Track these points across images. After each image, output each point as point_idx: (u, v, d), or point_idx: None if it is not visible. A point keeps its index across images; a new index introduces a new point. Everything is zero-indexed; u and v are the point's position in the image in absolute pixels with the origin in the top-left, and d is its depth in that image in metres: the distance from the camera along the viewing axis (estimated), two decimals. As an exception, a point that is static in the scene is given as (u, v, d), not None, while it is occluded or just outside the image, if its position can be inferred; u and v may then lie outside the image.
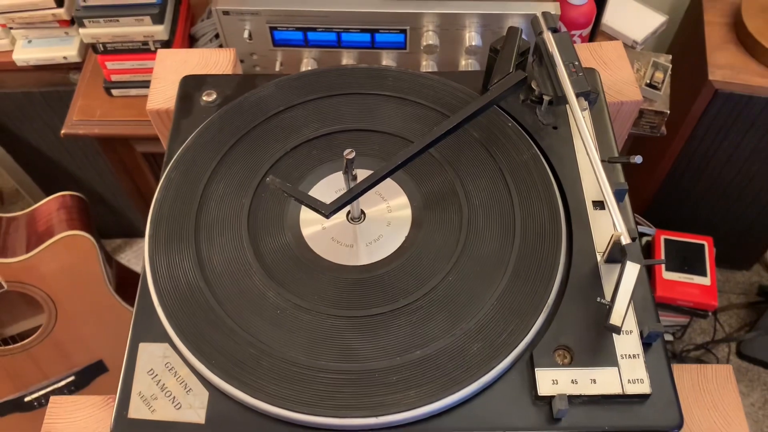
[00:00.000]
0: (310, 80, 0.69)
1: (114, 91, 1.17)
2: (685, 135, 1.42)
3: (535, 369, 0.52)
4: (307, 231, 0.60)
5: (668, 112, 1.10)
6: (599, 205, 0.61)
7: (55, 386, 1.37)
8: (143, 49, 1.09)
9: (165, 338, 0.55)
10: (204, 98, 0.69)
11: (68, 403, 0.55)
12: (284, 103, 0.67)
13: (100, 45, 1.08)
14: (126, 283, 1.37)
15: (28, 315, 1.37)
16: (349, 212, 0.61)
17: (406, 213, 0.61)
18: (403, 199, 0.62)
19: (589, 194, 0.61)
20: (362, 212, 0.61)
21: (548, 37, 0.63)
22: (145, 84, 1.15)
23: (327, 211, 0.54)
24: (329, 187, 0.62)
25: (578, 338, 0.54)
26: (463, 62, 1.00)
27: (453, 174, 0.62)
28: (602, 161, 0.59)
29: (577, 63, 0.63)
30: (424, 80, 0.69)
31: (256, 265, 0.57)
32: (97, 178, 1.56)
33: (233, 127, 0.66)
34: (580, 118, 0.59)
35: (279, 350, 0.53)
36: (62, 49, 1.31)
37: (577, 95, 0.61)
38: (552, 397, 0.51)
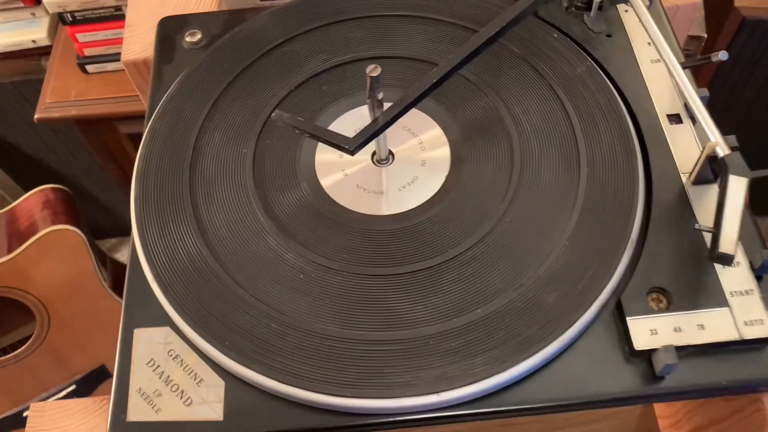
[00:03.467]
0: (310, 6, 0.58)
1: (89, 68, 1.06)
2: (711, 69, 1.31)
3: (627, 319, 0.42)
4: (326, 180, 0.49)
5: (705, 36, 0.99)
6: (675, 118, 0.50)
7: (56, 397, 1.26)
8: (116, 15, 0.98)
9: (165, 321, 0.45)
10: (187, 39, 0.58)
11: (52, 410, 0.45)
12: (282, 35, 0.56)
13: (68, 15, 0.97)
14: (122, 280, 1.26)
15: (20, 323, 1.26)
16: (374, 153, 0.51)
17: (443, 148, 0.50)
18: (437, 133, 0.51)
19: (661, 107, 0.51)
20: (390, 153, 0.51)
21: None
22: (123, 56, 1.04)
23: (351, 146, 0.43)
24: (347, 126, 0.52)
25: (674, 277, 0.43)
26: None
27: (494, 97, 0.52)
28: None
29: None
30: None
31: (268, 224, 0.47)
32: (83, 173, 1.45)
33: (224, 68, 0.55)
34: (646, 16, 0.49)
35: (307, 322, 0.43)
36: (30, 32, 1.19)
37: (636, -9, 0.50)
38: (652, 351, 0.41)
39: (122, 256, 1.77)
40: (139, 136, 0.53)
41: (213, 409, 0.42)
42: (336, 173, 0.50)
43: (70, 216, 1.12)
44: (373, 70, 0.42)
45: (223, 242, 0.46)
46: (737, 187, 0.41)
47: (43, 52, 1.21)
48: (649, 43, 0.54)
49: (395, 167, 0.50)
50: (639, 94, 0.51)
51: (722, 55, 0.47)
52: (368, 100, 0.44)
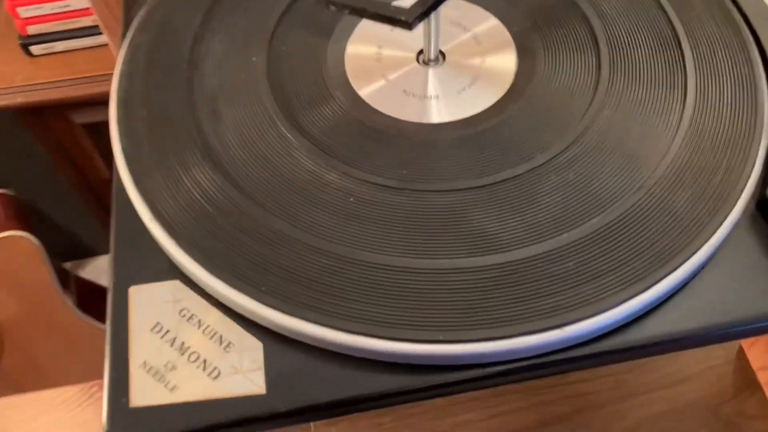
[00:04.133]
0: None
1: (34, 49, 0.93)
2: None
3: (780, 218, 0.33)
4: (364, 89, 0.39)
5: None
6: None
7: None
8: (64, -16, 0.86)
9: (171, 273, 0.33)
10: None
11: (25, 404, 0.33)
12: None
13: (7, -15, 0.85)
14: (91, 298, 1.12)
15: (-32, 352, 1.10)
16: (420, 53, 0.40)
17: (505, 41, 0.40)
18: (494, 24, 0.41)
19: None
20: (440, 53, 0.40)
21: None
22: (74, 34, 0.92)
23: (409, 17, 0.33)
24: (384, 30, 0.41)
25: (825, 162, 0.34)
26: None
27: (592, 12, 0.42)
28: None
29: None
30: None
31: (299, 141, 0.36)
32: (31, 182, 1.30)
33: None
34: None
35: (370, 253, 0.32)
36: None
37: None
38: (817, 254, 0.32)
39: (86, 274, 1.61)
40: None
41: (251, 380, 0.30)
42: (375, 80, 0.39)
43: (20, 221, 0.98)
44: None
45: (243, 168, 0.35)
46: None
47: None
48: None
49: (448, 68, 0.40)
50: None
51: None
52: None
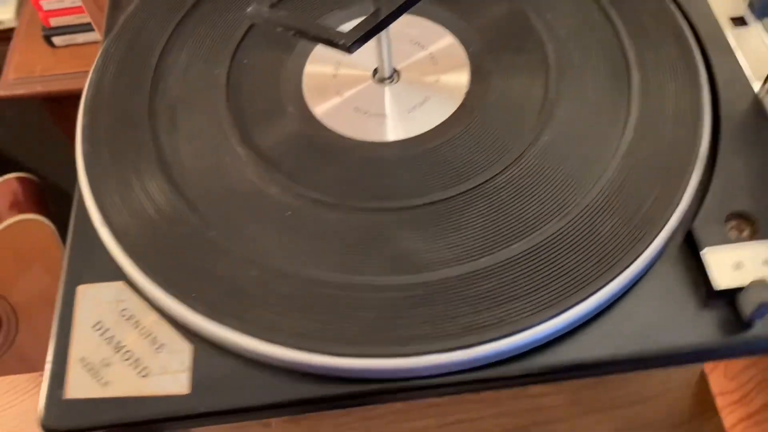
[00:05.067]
0: None
1: (56, 40, 0.96)
2: None
3: (702, 251, 0.33)
4: (318, 105, 0.40)
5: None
6: (740, 21, 0.41)
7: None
8: (84, -21, 0.89)
9: (117, 275, 0.35)
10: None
11: (-26, 390, 0.35)
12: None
13: (31, -20, 0.88)
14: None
15: (-12, 328, 1.16)
16: (376, 71, 0.42)
17: (460, 61, 0.41)
18: (451, 44, 0.42)
19: (721, 9, 0.42)
20: (395, 71, 0.42)
21: None
22: (93, 27, 0.95)
23: (348, 41, 0.34)
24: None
25: (757, 199, 0.34)
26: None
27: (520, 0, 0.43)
28: None
29: None
30: None
31: (246, 153, 0.38)
32: (52, 168, 1.35)
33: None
34: None
35: (296, 266, 0.33)
36: (-5, 12, 1.10)
37: None
38: (737, 290, 0.32)
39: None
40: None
41: (177, 380, 0.32)
42: (330, 97, 0.41)
43: (36, 205, 1.02)
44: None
45: (190, 177, 0.37)
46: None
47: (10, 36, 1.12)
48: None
49: (402, 86, 0.41)
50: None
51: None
52: (367, -12, 0.35)
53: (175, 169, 0.37)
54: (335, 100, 0.40)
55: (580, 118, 0.38)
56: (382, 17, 0.35)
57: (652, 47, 0.40)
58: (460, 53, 0.42)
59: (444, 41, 0.42)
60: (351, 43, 0.34)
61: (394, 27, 0.37)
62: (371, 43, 0.36)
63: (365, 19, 0.35)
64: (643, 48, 0.40)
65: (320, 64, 0.42)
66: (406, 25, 0.42)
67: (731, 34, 0.41)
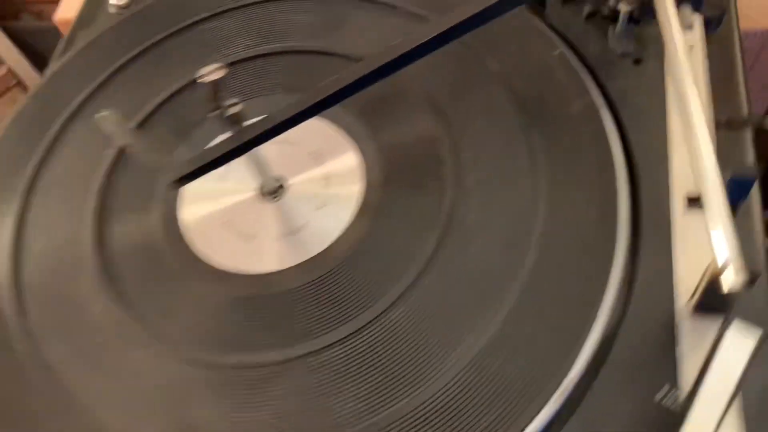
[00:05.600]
0: None
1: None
2: None
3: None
4: (191, 209, 0.37)
5: None
6: (696, 203, 0.33)
7: None
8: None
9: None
10: (113, 1, 0.47)
11: None
12: (211, 8, 0.44)
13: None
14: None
15: None
16: (263, 185, 0.38)
17: (354, 190, 0.36)
18: (352, 165, 0.37)
19: (682, 182, 0.34)
20: (281, 185, 0.37)
21: None
22: None
23: (172, 177, 0.30)
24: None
25: None
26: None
27: (442, 129, 0.37)
28: (717, 124, 0.33)
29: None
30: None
31: (90, 256, 0.35)
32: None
33: (131, 41, 0.44)
34: (676, 43, 0.32)
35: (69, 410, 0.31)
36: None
37: (679, 1, 0.33)
38: None
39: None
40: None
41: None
42: (207, 201, 0.37)
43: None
44: (213, 72, 0.29)
45: (35, 261, 0.36)
46: (737, 350, 0.25)
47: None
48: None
49: (285, 205, 0.37)
50: (655, 158, 0.34)
51: (782, 120, 0.30)
52: (212, 114, 0.31)
53: (26, 251, 0.36)
54: (210, 208, 0.37)
55: (468, 259, 0.32)
56: (215, 156, 0.31)
57: (570, 221, 0.33)
58: (358, 179, 0.36)
59: (346, 159, 0.37)
60: (175, 181, 0.30)
61: (299, 132, 0.33)
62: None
63: (199, 155, 0.31)
64: (558, 219, 0.33)
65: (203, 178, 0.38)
66: (316, 131, 0.38)
67: (680, 218, 0.32)
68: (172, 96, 0.41)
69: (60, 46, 0.46)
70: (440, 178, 0.35)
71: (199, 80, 0.29)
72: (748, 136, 0.35)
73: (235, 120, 0.31)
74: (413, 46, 0.32)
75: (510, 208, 0.34)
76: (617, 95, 0.37)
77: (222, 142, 0.31)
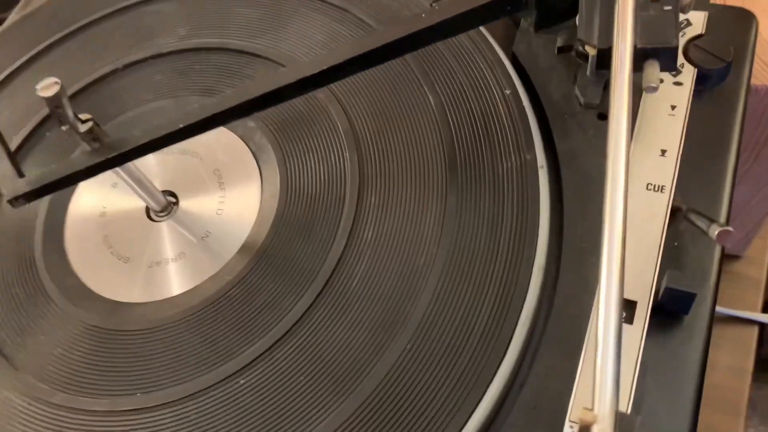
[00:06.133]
0: None
1: None
2: None
3: None
4: (78, 207, 0.34)
5: None
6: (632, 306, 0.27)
7: None
8: None
9: None
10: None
11: None
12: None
13: None
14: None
15: None
16: (153, 199, 0.34)
17: (245, 222, 0.32)
18: (251, 190, 0.33)
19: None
20: (174, 202, 0.33)
21: None
22: None
23: (10, 193, 0.27)
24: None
25: None
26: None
27: (354, 166, 0.32)
28: (682, 212, 0.27)
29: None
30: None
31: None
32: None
33: (72, 15, 0.40)
34: (620, 104, 0.25)
35: None
36: None
37: (645, 53, 0.27)
38: None
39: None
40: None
41: None
42: (96, 203, 0.34)
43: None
44: (48, 87, 0.25)
45: None
46: None
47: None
48: (663, 152, 0.30)
49: (169, 227, 0.33)
50: (587, 247, 0.28)
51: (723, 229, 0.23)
52: (61, 128, 0.27)
53: None
54: (95, 214, 0.34)
55: (355, 309, 0.28)
56: (64, 174, 0.27)
57: (460, 303, 0.27)
58: (253, 207, 0.32)
59: (248, 181, 0.33)
60: (12, 199, 0.27)
61: (209, 143, 0.29)
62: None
63: (49, 170, 0.27)
64: (448, 309, 0.27)
65: (89, 197, 0.35)
66: (226, 145, 0.34)
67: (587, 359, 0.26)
68: (93, 83, 0.37)
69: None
70: (336, 225, 0.30)
71: (38, 93, 0.25)
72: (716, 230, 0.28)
73: (93, 138, 0.27)
74: (344, 59, 0.27)
75: (400, 278, 0.28)
76: (566, 157, 0.30)
77: (77, 158, 0.28)
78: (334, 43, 0.35)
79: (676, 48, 0.27)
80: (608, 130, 0.26)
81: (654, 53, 0.27)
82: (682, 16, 0.32)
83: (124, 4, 0.40)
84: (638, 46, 0.27)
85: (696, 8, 0.33)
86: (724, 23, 0.33)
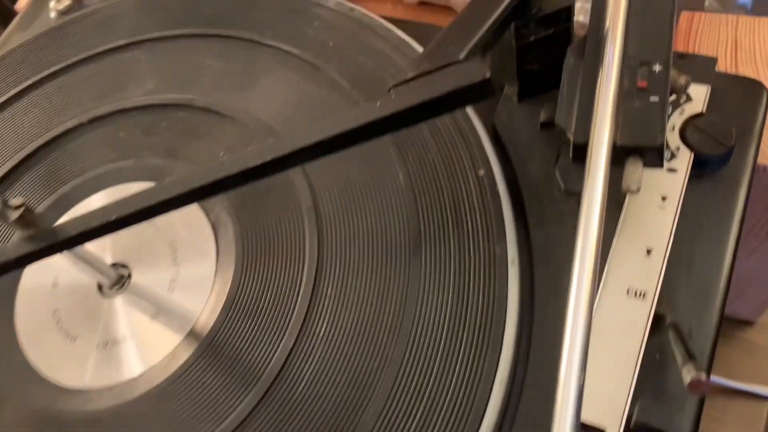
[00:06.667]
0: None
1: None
2: None
3: None
4: (31, 275, 0.33)
5: None
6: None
7: None
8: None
9: None
10: (54, 4, 0.42)
11: None
12: (135, 32, 0.38)
13: None
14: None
15: None
16: (104, 272, 0.32)
17: (196, 302, 0.30)
18: (204, 270, 0.31)
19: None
20: (123, 275, 0.32)
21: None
22: None
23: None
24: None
25: None
26: None
27: (314, 251, 0.29)
28: (665, 322, 0.24)
29: (665, 59, 0.25)
30: (369, 28, 0.34)
31: None
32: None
33: (33, 65, 0.39)
34: (591, 209, 0.23)
35: None
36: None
37: (626, 149, 0.24)
38: None
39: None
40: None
41: None
42: (48, 275, 0.32)
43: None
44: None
45: None
46: None
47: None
48: (649, 251, 0.27)
49: (120, 304, 0.31)
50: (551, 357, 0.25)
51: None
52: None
53: None
54: (47, 286, 0.32)
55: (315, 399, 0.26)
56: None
57: (421, 410, 0.25)
58: (205, 289, 0.30)
59: (204, 260, 0.31)
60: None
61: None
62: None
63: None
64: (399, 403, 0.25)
65: (40, 272, 0.33)
66: (185, 215, 0.32)
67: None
68: (58, 137, 0.36)
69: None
70: (288, 316, 0.28)
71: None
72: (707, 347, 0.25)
73: (26, 223, 0.25)
74: (301, 146, 0.25)
75: (351, 382, 0.26)
76: (540, 249, 0.28)
77: (9, 247, 0.26)
78: (304, 104, 0.33)
79: (662, 146, 0.24)
80: (576, 236, 0.23)
81: (636, 150, 0.24)
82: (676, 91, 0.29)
83: (98, 50, 0.38)
84: (618, 143, 0.24)
85: (698, 80, 0.29)
86: (730, 95, 0.30)
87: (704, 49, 0.34)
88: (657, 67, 0.25)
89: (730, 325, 0.45)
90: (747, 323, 0.45)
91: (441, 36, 0.25)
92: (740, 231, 0.28)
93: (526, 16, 0.27)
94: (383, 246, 0.29)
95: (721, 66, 0.33)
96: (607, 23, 0.26)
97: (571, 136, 0.25)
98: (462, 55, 0.24)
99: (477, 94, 0.24)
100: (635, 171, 0.24)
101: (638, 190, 0.24)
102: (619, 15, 0.25)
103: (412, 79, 0.24)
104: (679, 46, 0.34)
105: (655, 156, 0.24)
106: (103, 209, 0.25)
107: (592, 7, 0.27)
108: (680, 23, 0.35)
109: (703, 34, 0.34)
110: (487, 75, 0.23)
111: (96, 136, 0.35)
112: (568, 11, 0.27)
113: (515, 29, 0.27)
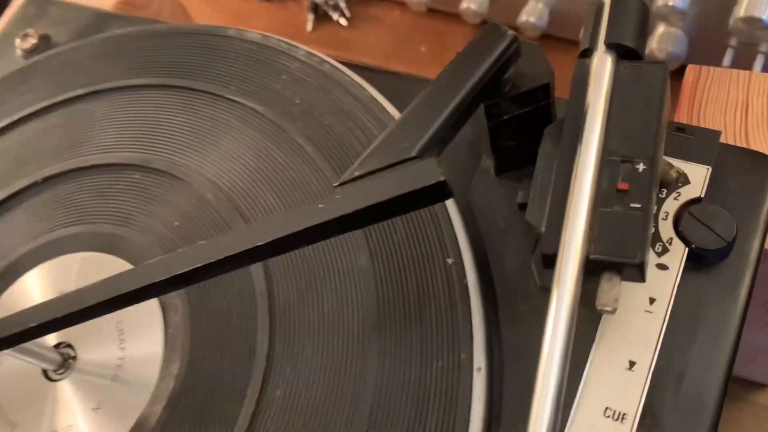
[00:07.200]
0: (134, 44, 0.36)
1: None
2: None
3: None
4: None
5: None
6: None
7: None
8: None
9: None
10: (19, 43, 0.40)
11: None
12: (96, 81, 0.36)
13: None
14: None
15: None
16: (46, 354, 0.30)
17: (142, 391, 0.28)
18: (151, 353, 0.28)
19: None
20: (68, 357, 0.29)
21: (596, 66, 0.22)
22: None
23: None
24: (59, 281, 0.31)
25: None
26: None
27: (265, 342, 0.27)
28: None
29: (650, 156, 0.22)
30: (339, 84, 0.31)
31: None
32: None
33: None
34: (558, 333, 0.20)
35: None
36: None
37: (600, 264, 0.21)
38: None
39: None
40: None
41: None
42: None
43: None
44: None
45: None
46: None
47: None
48: (632, 364, 0.24)
49: (63, 390, 0.29)
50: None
51: None
52: None
53: None
54: None
55: None
56: None
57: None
58: (153, 371, 0.28)
59: (146, 349, 0.28)
60: None
61: None
62: None
63: None
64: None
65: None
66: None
67: None
68: (11, 196, 0.34)
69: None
70: (234, 417, 0.26)
71: None
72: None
73: None
74: (215, 258, 0.22)
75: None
76: (511, 353, 0.25)
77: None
78: (264, 171, 0.30)
79: (643, 263, 0.20)
80: (539, 361, 0.20)
81: (613, 265, 0.21)
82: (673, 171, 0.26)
83: (59, 98, 0.36)
84: (591, 256, 0.21)
85: (697, 159, 0.26)
86: (735, 173, 0.27)
87: (711, 109, 0.30)
88: (641, 166, 0.21)
89: (741, 386, 0.42)
90: (760, 385, 0.42)
91: (396, 125, 0.22)
92: (739, 334, 0.25)
93: (497, 95, 0.24)
94: (339, 340, 0.26)
95: (729, 131, 0.29)
96: (586, 108, 0.22)
97: (538, 227, 0.22)
98: (414, 152, 0.21)
99: (431, 197, 0.21)
100: (611, 288, 0.21)
101: (614, 311, 0.21)
102: (600, 100, 0.22)
103: (359, 177, 0.22)
104: (683, 104, 0.30)
105: (635, 272, 0.21)
106: (21, 316, 0.23)
107: (572, 87, 0.23)
108: (686, 78, 0.31)
109: (710, 91, 0.30)
110: (441, 178, 0.20)
111: (49, 197, 0.33)
112: (547, 89, 0.24)
113: (485, 108, 0.24)
